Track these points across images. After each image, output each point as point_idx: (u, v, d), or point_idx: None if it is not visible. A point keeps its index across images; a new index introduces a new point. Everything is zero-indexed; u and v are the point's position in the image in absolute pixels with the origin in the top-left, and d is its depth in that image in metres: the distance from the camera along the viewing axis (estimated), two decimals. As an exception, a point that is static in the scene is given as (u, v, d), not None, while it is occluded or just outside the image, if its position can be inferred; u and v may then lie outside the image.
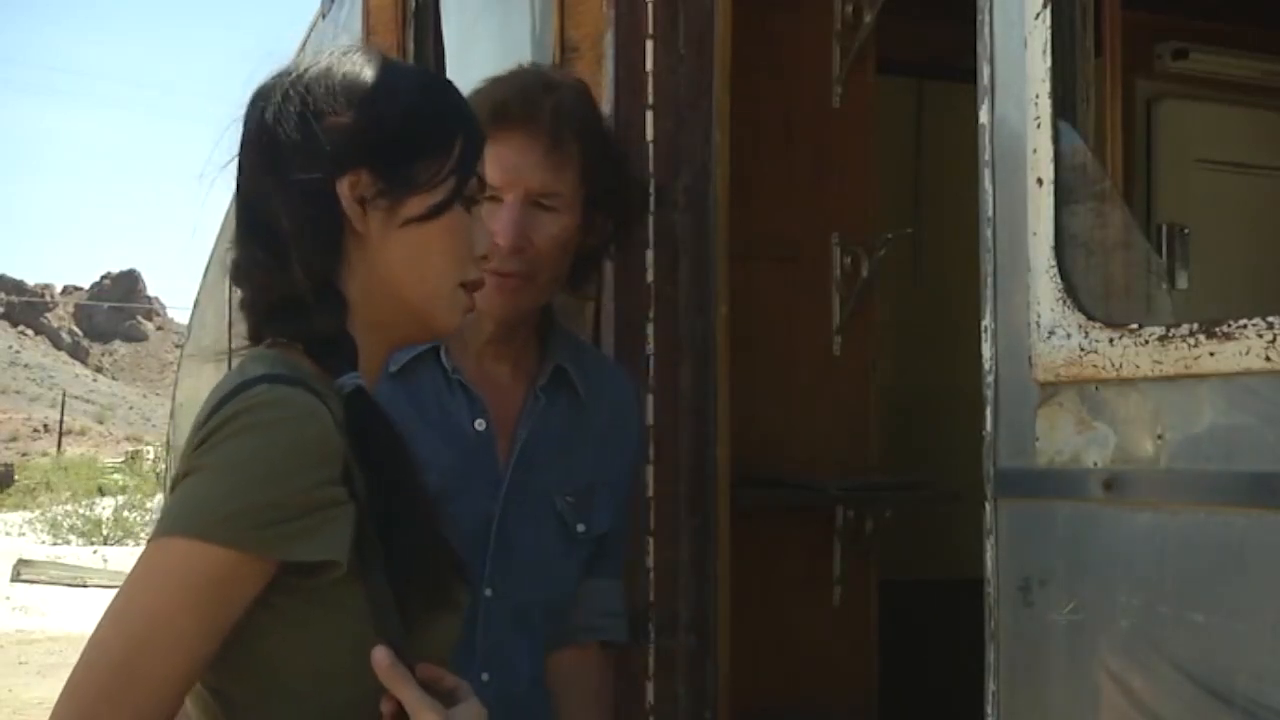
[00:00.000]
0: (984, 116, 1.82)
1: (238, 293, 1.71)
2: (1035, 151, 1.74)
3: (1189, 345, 1.53)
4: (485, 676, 2.06)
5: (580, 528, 2.18)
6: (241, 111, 1.63)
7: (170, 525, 1.43)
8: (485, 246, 1.68)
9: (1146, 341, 1.58)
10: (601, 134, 2.27)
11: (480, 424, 2.15)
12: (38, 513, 26.89)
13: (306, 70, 1.60)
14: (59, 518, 25.19)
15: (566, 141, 2.15)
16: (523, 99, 2.16)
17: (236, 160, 1.63)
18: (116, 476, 35.41)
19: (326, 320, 1.56)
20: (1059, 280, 1.70)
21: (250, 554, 1.41)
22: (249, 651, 1.48)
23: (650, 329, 2.66)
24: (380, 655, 1.47)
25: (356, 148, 1.56)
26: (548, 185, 2.14)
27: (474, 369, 2.19)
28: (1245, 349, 1.47)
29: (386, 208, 1.57)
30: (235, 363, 1.61)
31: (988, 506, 1.81)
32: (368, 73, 1.61)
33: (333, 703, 1.51)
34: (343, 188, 1.55)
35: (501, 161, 2.08)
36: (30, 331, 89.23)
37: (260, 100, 1.61)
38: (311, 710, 1.51)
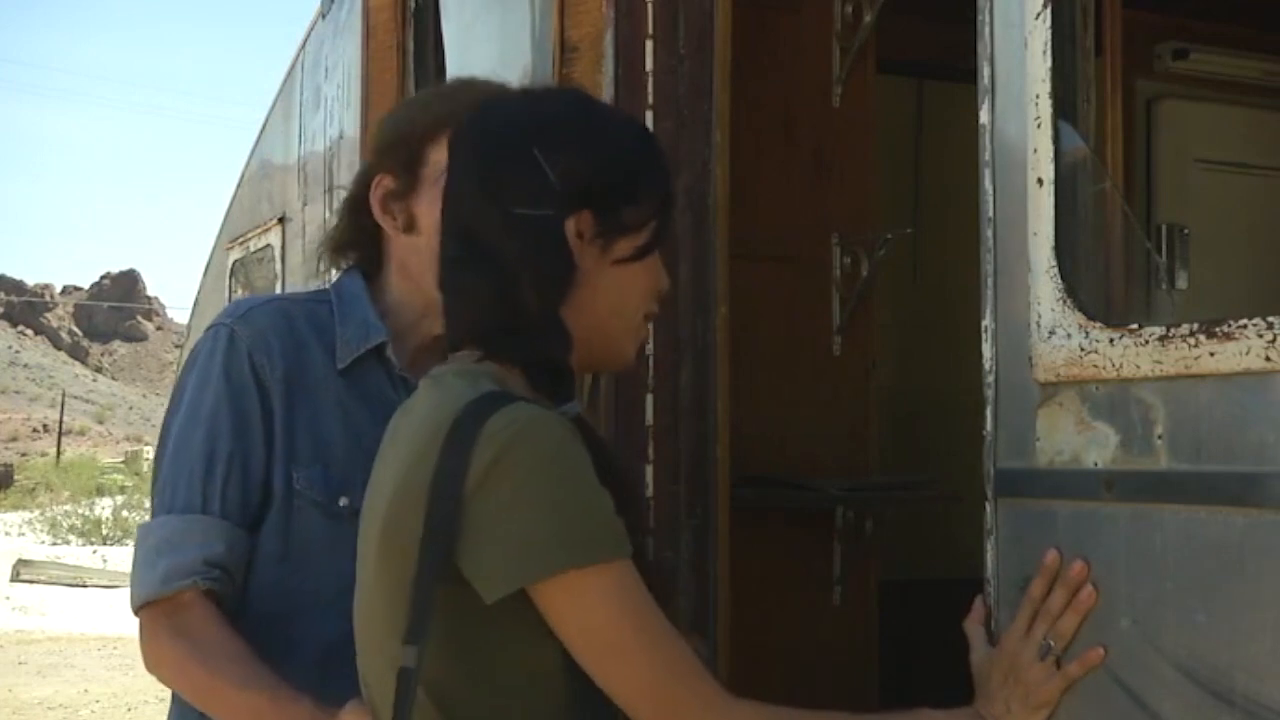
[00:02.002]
0: (984, 116, 1.82)
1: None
2: (1035, 151, 1.74)
3: (1189, 345, 1.53)
4: None
5: None
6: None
7: (577, 556, 1.55)
8: (666, 283, 1.81)
9: (1146, 341, 1.58)
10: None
11: None
12: (37, 513, 26.89)
13: (527, 106, 1.74)
14: (58, 518, 25.19)
15: None
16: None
17: (447, 182, 1.74)
18: (116, 476, 35.40)
19: (556, 350, 1.67)
20: (1059, 280, 1.70)
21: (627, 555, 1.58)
22: (483, 653, 1.59)
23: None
24: None
25: (583, 190, 1.66)
26: None
27: (413, 367, 2.13)
28: (1245, 349, 1.47)
29: (601, 247, 1.68)
30: (448, 372, 1.69)
31: (988, 506, 1.81)
32: (591, 117, 1.73)
33: (541, 704, 1.60)
34: (570, 226, 1.65)
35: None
36: (30, 331, 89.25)
37: (478, 129, 1.72)
38: (520, 710, 1.60)
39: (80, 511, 25.68)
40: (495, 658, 1.59)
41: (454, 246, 1.72)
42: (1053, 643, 1.66)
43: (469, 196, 1.70)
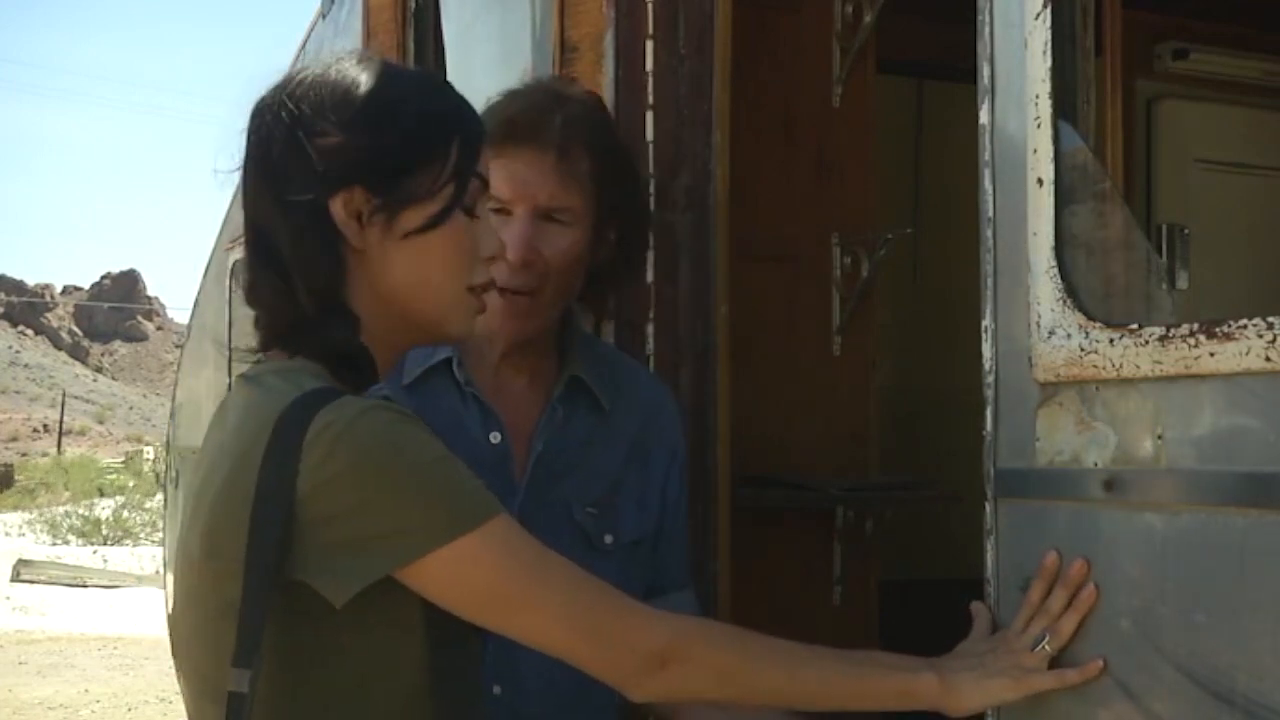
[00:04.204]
0: (984, 116, 1.82)
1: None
2: (1035, 151, 1.74)
3: (1189, 345, 1.53)
4: (496, 689, 2.03)
5: (608, 539, 2.15)
6: (243, 124, 1.63)
7: (453, 528, 1.50)
8: (493, 248, 1.68)
9: (1146, 341, 1.58)
10: (613, 147, 2.25)
11: (495, 437, 2.14)
12: (37, 513, 26.88)
13: (297, 84, 1.59)
14: (59, 518, 25.17)
15: (576, 155, 2.14)
16: (531, 113, 2.15)
17: (241, 179, 1.64)
18: (116, 477, 35.42)
19: (340, 338, 1.58)
20: (1059, 280, 1.70)
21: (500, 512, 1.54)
22: (328, 658, 1.52)
23: (650, 329, 2.66)
24: None
25: (348, 165, 1.56)
26: (557, 198, 2.13)
27: (490, 381, 2.17)
28: (1245, 349, 1.47)
29: (384, 222, 1.57)
30: (265, 371, 1.61)
31: (988, 506, 1.81)
32: (356, 86, 1.60)
33: (397, 695, 1.55)
34: (335, 206, 1.56)
35: (511, 175, 2.08)
36: (30, 331, 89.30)
37: (256, 117, 1.61)
38: (371, 707, 1.54)
39: (80, 512, 25.65)
40: (342, 660, 1.52)
41: (246, 241, 1.64)
42: (1049, 639, 1.66)
43: (251, 190, 1.61)
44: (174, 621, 1.63)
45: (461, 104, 1.67)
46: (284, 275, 1.57)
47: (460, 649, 1.59)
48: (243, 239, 1.66)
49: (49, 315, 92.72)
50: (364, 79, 1.61)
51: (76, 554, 20.17)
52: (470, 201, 1.62)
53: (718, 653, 1.63)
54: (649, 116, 2.70)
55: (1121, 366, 1.61)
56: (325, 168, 1.55)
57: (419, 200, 1.58)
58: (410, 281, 1.60)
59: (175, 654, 1.64)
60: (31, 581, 16.63)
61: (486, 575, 1.51)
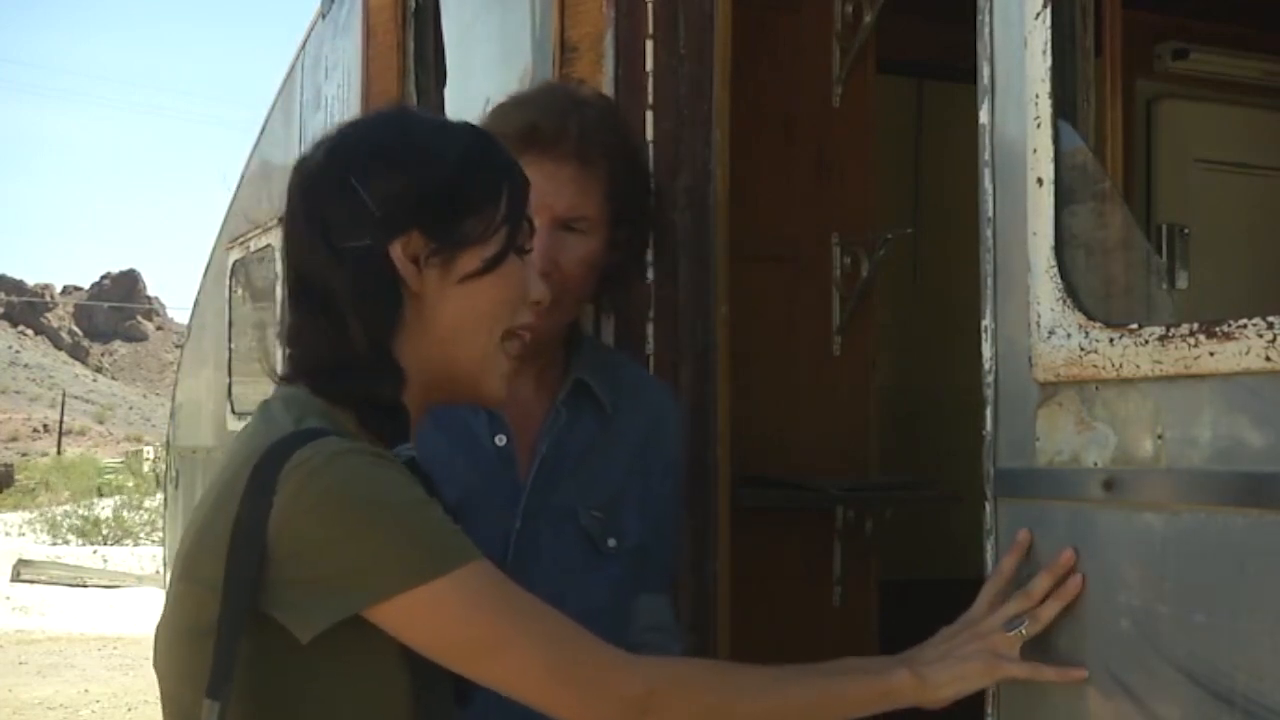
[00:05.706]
0: (984, 116, 1.82)
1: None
2: (1035, 151, 1.74)
3: (1189, 345, 1.53)
4: None
5: (611, 542, 2.15)
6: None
7: (425, 572, 1.48)
8: (539, 292, 1.70)
9: (1146, 341, 1.58)
10: (627, 151, 2.24)
11: (500, 440, 2.14)
12: (37, 513, 26.88)
13: (344, 136, 1.63)
14: (58, 518, 25.16)
15: (594, 161, 2.13)
16: (550, 120, 2.13)
17: (283, 226, 1.66)
18: (116, 476, 35.42)
19: (385, 390, 1.59)
20: (1059, 280, 1.70)
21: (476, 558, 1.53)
22: (297, 697, 1.52)
23: (650, 329, 2.66)
24: None
25: (406, 210, 1.58)
26: (575, 209, 2.12)
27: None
28: (1245, 349, 1.47)
29: (441, 266, 1.59)
30: (277, 398, 1.62)
31: (987, 506, 1.81)
32: (406, 132, 1.64)
33: None
34: (395, 251, 1.57)
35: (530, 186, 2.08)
36: (30, 331, 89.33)
37: (301, 167, 1.64)
38: None
39: (80, 511, 25.65)
40: (314, 695, 1.52)
41: (291, 288, 1.65)
42: (1027, 623, 1.67)
43: (298, 236, 1.63)
44: (156, 631, 1.64)
45: (507, 151, 1.71)
46: (337, 321, 1.57)
47: (440, 688, 1.59)
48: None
49: (49, 315, 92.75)
50: (411, 126, 1.66)
51: (76, 554, 20.16)
52: (522, 243, 1.65)
53: (698, 694, 1.61)
54: (649, 116, 2.70)
55: (1121, 366, 1.61)
56: (383, 213, 1.57)
57: (475, 243, 1.60)
58: (459, 327, 1.62)
59: (155, 664, 1.64)
60: (31, 581, 16.62)
61: (456, 621, 1.50)
